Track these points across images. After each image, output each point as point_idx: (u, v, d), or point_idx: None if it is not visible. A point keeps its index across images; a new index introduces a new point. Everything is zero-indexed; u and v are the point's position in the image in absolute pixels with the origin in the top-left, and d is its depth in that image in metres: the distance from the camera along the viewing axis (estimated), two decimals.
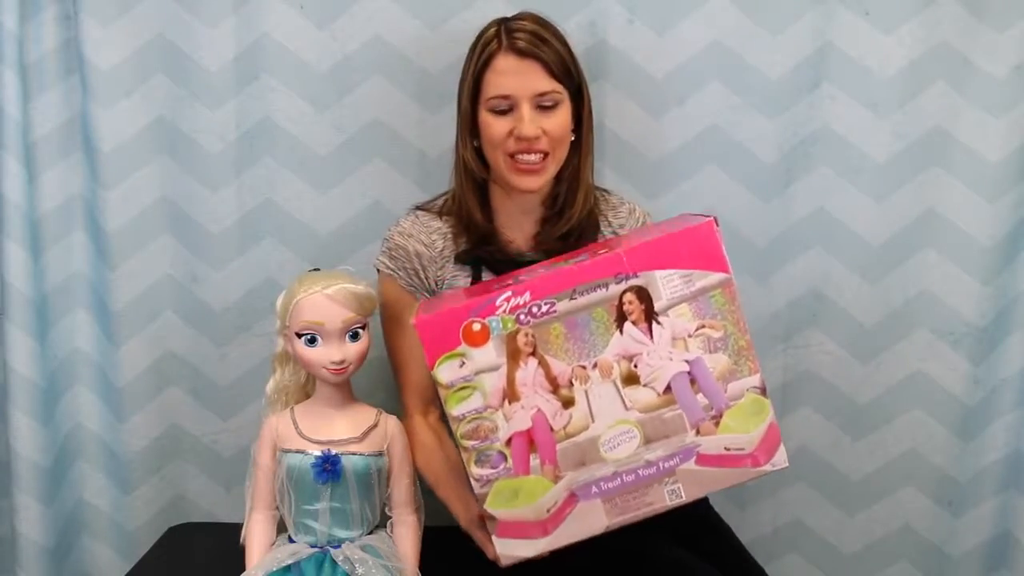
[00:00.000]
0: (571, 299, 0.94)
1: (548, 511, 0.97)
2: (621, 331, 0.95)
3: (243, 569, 1.16)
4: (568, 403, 0.96)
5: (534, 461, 0.97)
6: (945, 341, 1.50)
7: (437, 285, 1.27)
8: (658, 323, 0.95)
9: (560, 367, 0.95)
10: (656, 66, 1.45)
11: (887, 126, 1.45)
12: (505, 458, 0.97)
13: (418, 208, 1.31)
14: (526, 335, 0.95)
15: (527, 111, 1.17)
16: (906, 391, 1.51)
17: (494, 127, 1.19)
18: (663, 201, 1.46)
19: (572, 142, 1.24)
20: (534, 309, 0.94)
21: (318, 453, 1.15)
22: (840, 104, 1.44)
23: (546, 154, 1.19)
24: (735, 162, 1.47)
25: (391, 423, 1.21)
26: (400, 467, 1.21)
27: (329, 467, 1.14)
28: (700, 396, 0.96)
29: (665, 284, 0.95)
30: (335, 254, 1.49)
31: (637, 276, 0.94)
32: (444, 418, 1.30)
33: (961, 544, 1.54)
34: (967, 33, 1.42)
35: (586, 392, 0.96)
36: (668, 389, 0.96)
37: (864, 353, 1.51)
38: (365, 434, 1.18)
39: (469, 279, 1.26)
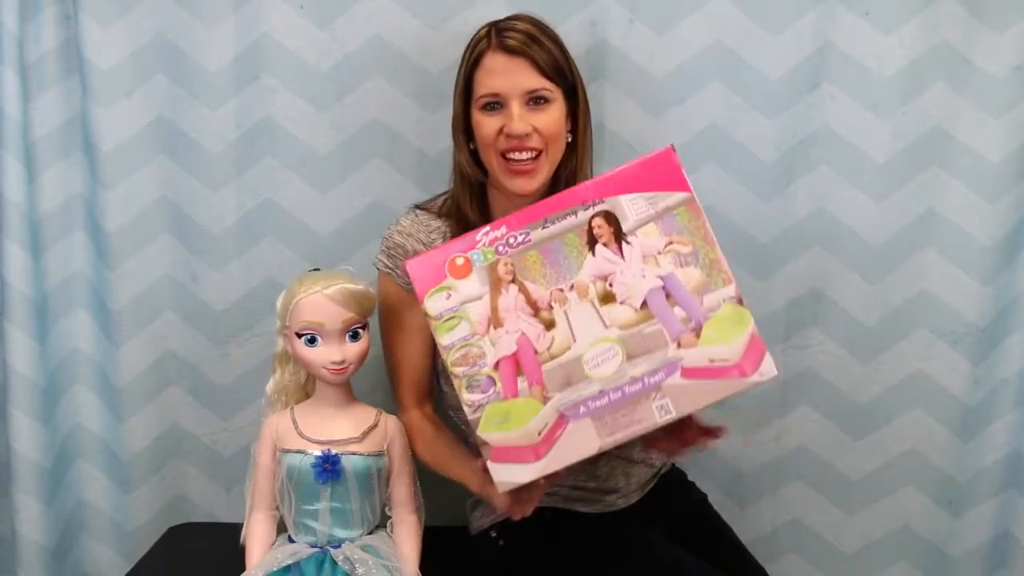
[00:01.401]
0: (544, 228, 1.01)
1: (539, 434, 0.99)
2: (593, 253, 1.00)
3: (243, 569, 1.16)
4: (550, 325, 1.00)
5: (522, 384, 1.00)
6: (945, 341, 1.49)
7: None
8: (627, 243, 1.00)
9: (539, 292, 1.01)
10: (656, 66, 1.45)
11: (887, 126, 1.45)
12: (494, 382, 1.00)
13: (418, 207, 1.31)
14: (505, 264, 1.01)
15: (516, 108, 1.17)
16: (906, 391, 1.51)
17: (485, 126, 1.19)
18: None
19: (569, 144, 1.24)
20: (511, 240, 1.01)
21: (318, 453, 1.15)
22: (840, 104, 1.44)
23: (539, 153, 1.19)
24: (735, 162, 1.47)
25: (391, 423, 1.21)
26: (400, 467, 1.21)
27: (329, 467, 1.14)
28: (677, 309, 0.99)
29: (631, 207, 1.00)
30: (335, 254, 1.49)
31: (603, 202, 1.01)
32: (439, 410, 1.32)
33: (961, 544, 1.54)
34: (967, 33, 1.42)
35: (565, 313, 1.00)
36: (644, 305, 0.99)
37: (864, 353, 1.51)
38: (365, 434, 1.18)
39: None
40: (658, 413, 0.98)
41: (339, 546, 1.16)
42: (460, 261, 1.01)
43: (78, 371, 1.57)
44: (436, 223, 1.28)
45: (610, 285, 0.99)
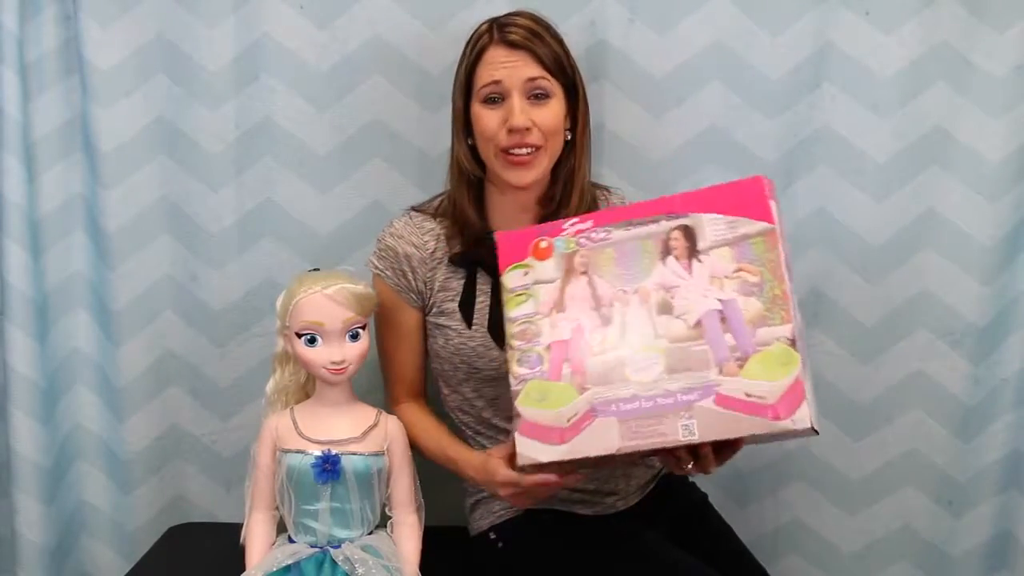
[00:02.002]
0: (626, 229, 1.04)
1: (568, 420, 1.02)
2: (664, 263, 1.01)
3: (243, 569, 1.16)
4: (606, 322, 1.03)
5: (566, 369, 1.03)
6: (945, 341, 1.49)
7: (427, 287, 1.27)
8: (699, 261, 1.00)
9: (605, 288, 1.03)
10: (656, 66, 1.45)
11: (887, 126, 1.45)
12: (542, 361, 1.05)
13: (414, 209, 1.31)
14: (582, 256, 1.05)
15: (518, 100, 1.17)
16: (906, 391, 1.51)
17: (485, 119, 1.19)
18: None
19: (568, 141, 1.24)
20: (593, 235, 1.05)
21: (318, 453, 1.15)
22: (840, 104, 1.44)
23: (538, 148, 1.19)
24: (735, 162, 1.47)
25: (391, 423, 1.21)
26: (400, 467, 1.21)
27: (329, 467, 1.14)
28: (728, 336, 0.98)
29: (710, 226, 1.00)
30: (335, 254, 1.49)
31: (686, 216, 1.01)
32: (441, 413, 1.33)
33: (961, 544, 1.54)
34: (967, 33, 1.42)
35: (624, 314, 1.02)
36: (699, 324, 0.99)
37: (864, 353, 1.51)
38: (365, 434, 1.18)
39: (463, 281, 1.26)
40: (682, 432, 0.98)
41: (339, 546, 1.16)
42: (544, 244, 1.07)
43: (78, 371, 1.56)
44: (430, 224, 1.28)
45: (671, 297, 1.00)
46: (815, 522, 1.57)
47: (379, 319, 1.30)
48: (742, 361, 0.96)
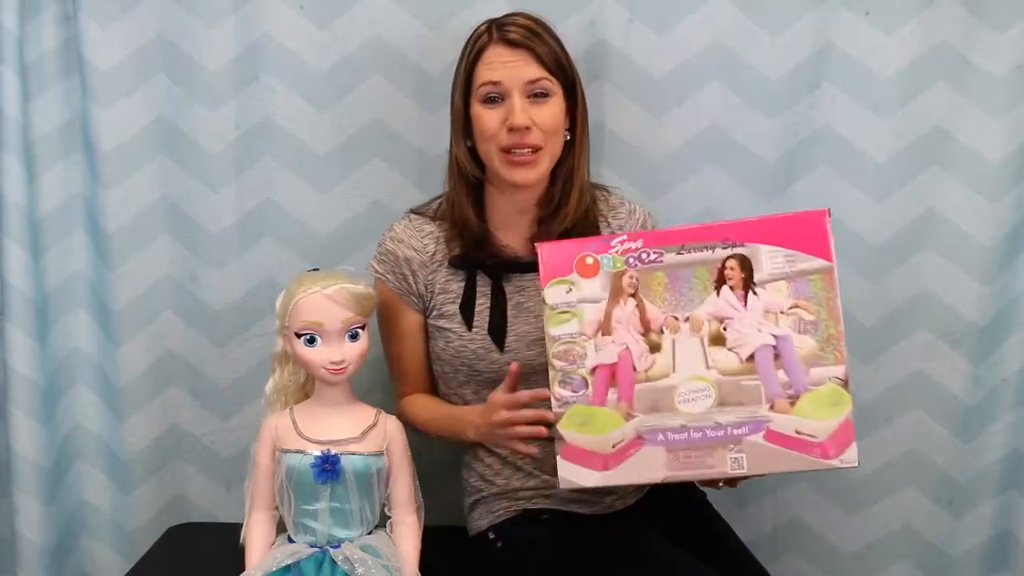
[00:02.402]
0: (679, 253, 1.01)
1: (614, 446, 1.02)
2: (718, 293, 1.00)
3: (243, 569, 1.16)
4: (655, 348, 1.01)
5: (611, 395, 1.02)
6: (945, 341, 1.49)
7: (427, 289, 1.27)
8: (754, 293, 0.99)
9: (655, 313, 1.01)
10: (656, 66, 1.45)
11: (887, 126, 1.45)
12: (587, 384, 1.03)
13: (413, 212, 1.31)
14: (631, 277, 1.03)
15: (518, 100, 1.17)
16: (906, 391, 1.51)
17: (485, 119, 1.19)
18: (663, 201, 1.46)
19: (567, 141, 1.24)
20: (643, 255, 1.02)
21: (317, 453, 1.15)
22: (840, 104, 1.44)
23: (538, 148, 1.19)
24: (735, 162, 1.47)
25: (390, 423, 1.21)
26: (399, 467, 1.21)
27: (328, 467, 1.14)
28: (781, 373, 0.98)
29: (768, 258, 0.99)
30: (335, 254, 1.49)
31: (744, 246, 0.99)
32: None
33: (961, 544, 1.54)
34: (967, 33, 1.42)
35: (673, 342, 1.01)
36: (751, 358, 0.99)
37: (864, 353, 1.50)
38: (364, 434, 1.18)
39: (463, 283, 1.26)
40: (731, 464, 0.99)
41: (339, 546, 1.16)
42: (590, 260, 1.03)
43: (78, 371, 1.57)
44: (430, 227, 1.28)
45: (724, 328, 0.99)
46: (815, 522, 1.57)
47: (382, 323, 1.30)
48: (794, 399, 0.97)
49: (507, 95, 1.18)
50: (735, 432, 0.98)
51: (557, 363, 1.04)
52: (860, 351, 1.50)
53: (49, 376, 1.53)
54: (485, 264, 1.25)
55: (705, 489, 1.40)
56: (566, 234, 1.23)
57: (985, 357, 1.49)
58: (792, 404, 0.97)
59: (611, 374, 1.02)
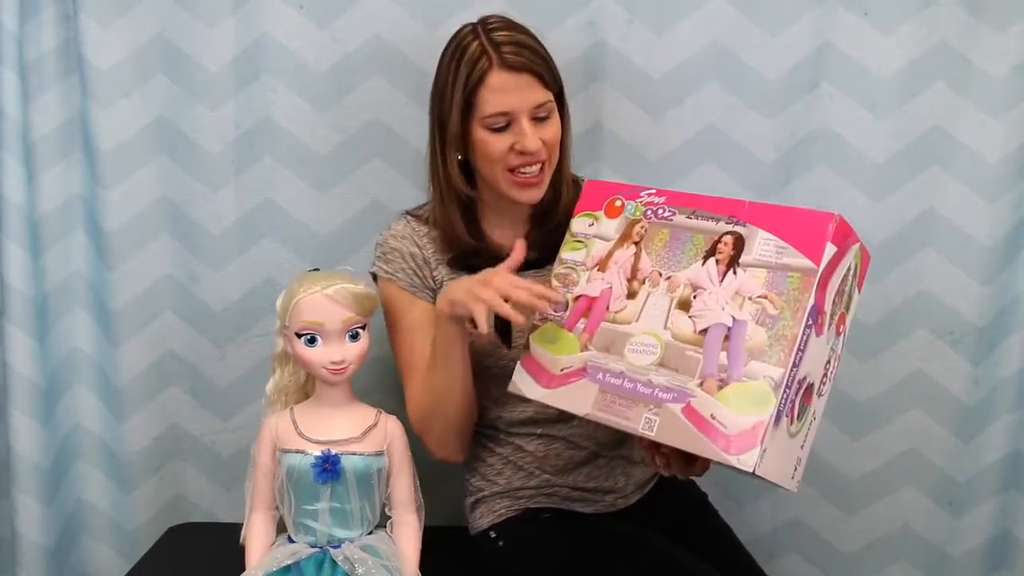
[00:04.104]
0: (688, 217, 1.05)
1: (562, 370, 1.07)
2: (704, 263, 1.02)
3: (243, 569, 1.16)
4: (631, 295, 1.06)
5: (580, 324, 1.08)
6: (945, 341, 1.49)
7: (435, 283, 1.26)
8: (734, 272, 1.00)
9: (646, 264, 1.06)
10: (655, 66, 1.45)
11: (886, 126, 1.45)
12: (566, 308, 1.10)
13: (408, 214, 1.31)
14: (642, 227, 1.08)
15: (527, 125, 1.16)
16: (906, 391, 1.51)
17: (493, 144, 1.17)
18: None
19: None
20: (660, 211, 1.08)
21: (318, 453, 1.15)
22: (839, 104, 1.44)
23: (543, 164, 1.19)
24: (734, 162, 1.47)
25: (391, 423, 1.21)
26: (400, 467, 1.21)
27: (329, 467, 1.14)
28: (723, 355, 0.98)
29: (761, 244, 1.00)
30: (335, 254, 1.49)
31: (745, 226, 1.01)
32: None
33: (961, 544, 1.54)
34: (967, 33, 1.42)
35: (648, 294, 1.05)
36: (704, 332, 1.00)
37: (864, 353, 1.51)
38: (365, 434, 1.18)
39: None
40: (643, 424, 1.00)
41: (339, 546, 1.16)
42: (618, 203, 1.11)
43: (78, 371, 1.56)
44: (425, 229, 1.28)
45: (694, 296, 1.01)
46: (814, 522, 1.57)
47: (391, 323, 1.27)
48: (723, 384, 0.96)
49: (515, 121, 1.16)
50: (660, 395, 0.99)
51: (555, 283, 1.12)
52: (860, 351, 1.50)
53: (49, 376, 1.53)
54: (485, 265, 1.24)
55: (704, 489, 1.41)
56: (560, 226, 1.20)
57: (985, 357, 1.49)
58: (719, 388, 0.97)
59: (588, 306, 1.08)
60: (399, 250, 1.26)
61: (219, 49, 1.47)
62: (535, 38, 1.20)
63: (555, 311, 1.10)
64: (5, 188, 1.45)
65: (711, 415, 0.96)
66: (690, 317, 1.00)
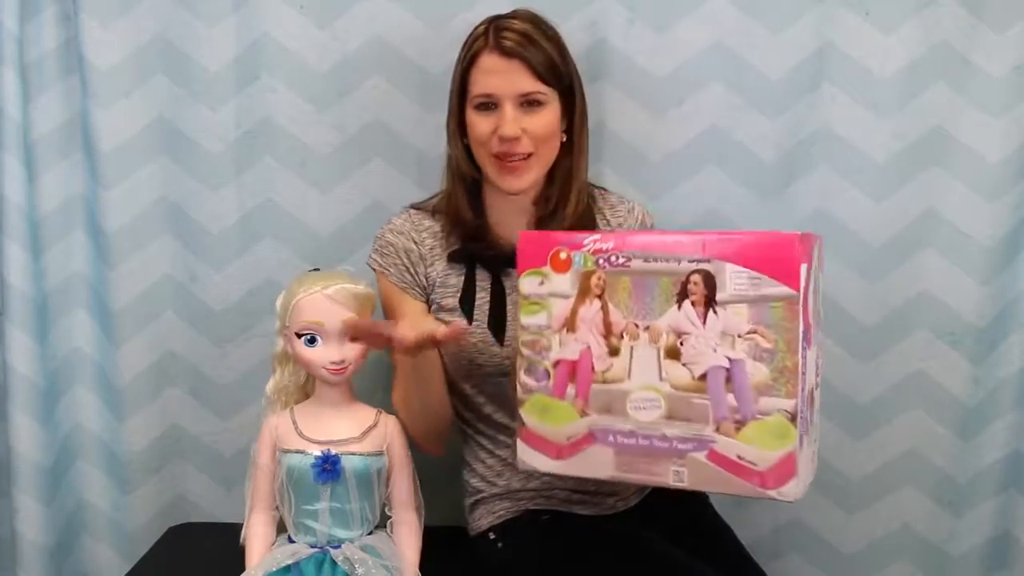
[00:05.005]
0: (646, 261, 1.00)
1: (568, 439, 1.04)
2: (679, 307, 0.99)
3: (243, 569, 1.16)
4: (614, 352, 1.02)
5: (570, 390, 1.04)
6: (945, 341, 1.49)
7: (428, 281, 1.27)
8: (714, 312, 0.98)
9: (618, 317, 1.01)
10: (656, 66, 1.45)
11: (887, 126, 1.45)
12: (549, 376, 1.05)
13: (412, 207, 1.31)
14: (599, 278, 1.02)
15: (509, 110, 1.17)
16: (906, 391, 1.51)
17: (478, 126, 1.19)
18: (663, 201, 1.46)
19: (564, 142, 1.24)
20: (612, 258, 1.02)
21: (318, 453, 1.15)
22: (840, 104, 1.44)
23: (529, 154, 1.19)
24: (735, 162, 1.47)
25: (391, 423, 1.21)
26: (400, 467, 1.21)
27: (329, 467, 1.14)
28: (730, 396, 0.97)
29: (732, 278, 0.97)
30: (335, 254, 1.49)
31: (709, 262, 0.98)
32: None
33: (961, 544, 1.54)
34: (967, 33, 1.42)
35: (632, 348, 1.01)
36: (703, 377, 0.98)
37: (864, 353, 1.51)
38: (365, 434, 1.18)
39: (462, 277, 1.25)
40: (673, 476, 1.00)
41: (339, 546, 1.16)
42: (563, 256, 1.04)
43: (78, 371, 1.57)
44: (428, 222, 1.28)
45: (681, 343, 0.99)
46: (815, 522, 1.57)
47: (386, 315, 1.28)
48: (740, 424, 0.96)
49: (499, 104, 1.17)
50: (680, 447, 0.99)
51: (525, 351, 1.06)
52: (860, 351, 1.50)
53: (49, 376, 1.53)
54: (484, 257, 1.25)
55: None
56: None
57: (985, 357, 1.49)
58: (738, 429, 0.96)
59: (571, 370, 1.04)
60: (394, 245, 1.27)
61: (219, 49, 1.47)
62: (548, 33, 1.20)
63: (537, 381, 1.05)
64: (5, 188, 1.45)
65: (737, 456, 0.96)
66: (684, 365, 0.98)
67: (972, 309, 1.48)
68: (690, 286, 0.98)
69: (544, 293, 1.05)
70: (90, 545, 1.61)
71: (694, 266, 0.98)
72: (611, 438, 1.02)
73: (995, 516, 1.53)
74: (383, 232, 1.29)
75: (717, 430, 0.97)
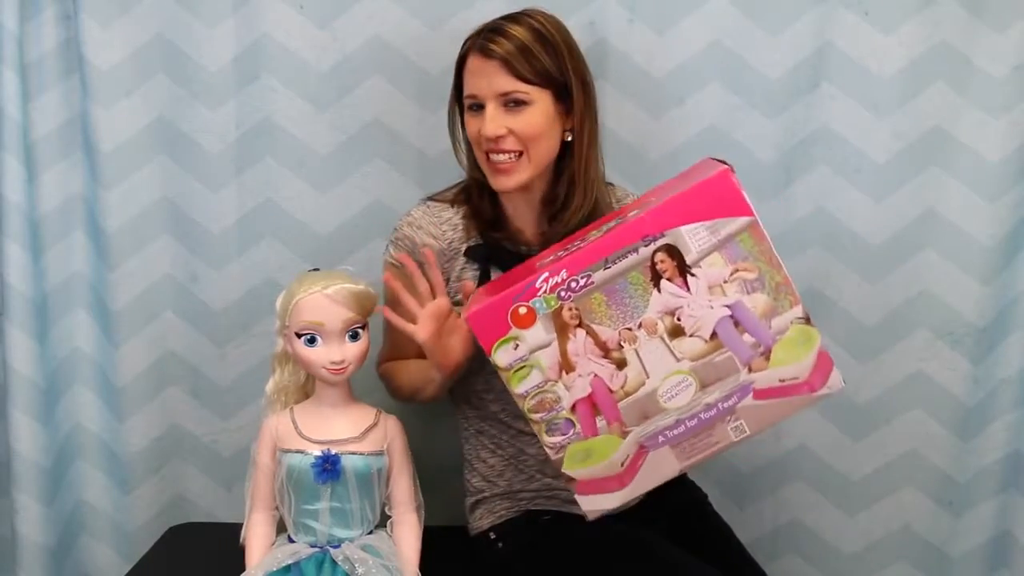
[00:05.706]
0: (605, 268, 0.99)
1: (622, 465, 1.04)
2: (659, 289, 0.99)
3: (243, 569, 1.16)
4: (621, 364, 1.02)
5: (600, 422, 1.03)
6: (945, 341, 1.49)
7: (444, 277, 1.26)
8: (692, 275, 0.99)
9: (607, 333, 1.01)
10: (656, 66, 1.45)
11: (887, 126, 1.45)
12: (573, 424, 1.03)
13: (430, 199, 1.31)
14: (570, 309, 1.00)
15: (491, 110, 1.17)
16: (906, 391, 1.51)
17: (469, 126, 1.22)
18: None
19: (568, 141, 1.23)
20: (572, 284, 0.99)
21: (318, 453, 1.15)
22: (840, 104, 1.44)
23: (519, 153, 1.19)
24: (735, 162, 1.44)
25: (391, 423, 1.21)
26: (400, 466, 1.21)
27: (329, 467, 1.14)
28: (746, 336, 0.99)
29: (692, 238, 0.98)
30: (335, 254, 1.49)
31: (664, 235, 0.98)
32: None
33: (961, 544, 1.54)
34: (967, 33, 1.42)
35: (636, 351, 1.01)
36: (714, 335, 1.00)
37: (864, 353, 1.51)
38: (365, 434, 1.18)
39: (477, 273, 1.25)
40: (733, 434, 1.02)
41: (339, 546, 1.16)
42: (523, 311, 1.00)
43: (78, 371, 1.57)
44: (447, 213, 1.28)
45: (678, 319, 1.00)
46: (814, 522, 1.57)
47: (388, 302, 1.25)
48: (767, 354, 0.99)
49: (484, 104, 1.18)
50: (726, 405, 1.01)
51: (535, 416, 1.04)
52: (860, 351, 1.50)
53: (49, 376, 1.53)
54: (500, 255, 1.24)
55: (704, 490, 1.40)
56: (573, 231, 1.19)
57: (985, 357, 1.49)
58: (767, 359, 0.99)
59: (592, 404, 1.02)
60: (411, 239, 1.27)
61: (219, 49, 1.47)
62: (541, 33, 1.18)
63: (564, 435, 1.04)
64: (5, 188, 1.45)
65: (779, 380, 0.99)
66: (691, 336, 1.00)
67: (972, 309, 1.48)
68: (659, 265, 0.99)
69: (524, 354, 1.01)
70: (90, 545, 1.61)
71: (653, 247, 0.98)
72: (661, 439, 1.03)
73: (995, 516, 1.53)
74: (400, 224, 1.29)
75: (750, 371, 0.99)
